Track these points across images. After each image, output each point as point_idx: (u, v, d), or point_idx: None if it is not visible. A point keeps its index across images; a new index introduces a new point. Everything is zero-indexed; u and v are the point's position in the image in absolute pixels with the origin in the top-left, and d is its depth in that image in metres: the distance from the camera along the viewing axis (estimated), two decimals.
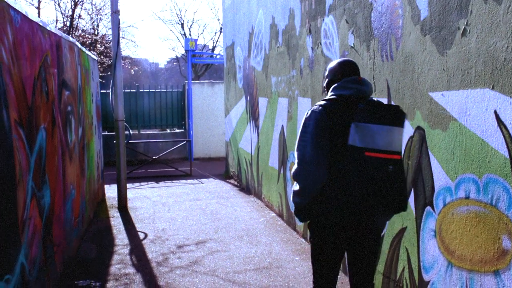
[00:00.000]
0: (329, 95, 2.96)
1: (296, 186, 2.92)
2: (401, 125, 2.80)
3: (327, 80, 3.09)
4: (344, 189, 2.72)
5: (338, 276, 3.07)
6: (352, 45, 4.57)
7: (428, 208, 3.44)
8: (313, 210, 2.90)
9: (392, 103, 3.89)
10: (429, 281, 3.44)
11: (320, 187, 2.83)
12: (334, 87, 2.95)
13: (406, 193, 2.86)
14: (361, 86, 2.91)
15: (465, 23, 2.98)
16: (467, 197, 3.02)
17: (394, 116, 2.77)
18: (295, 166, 2.90)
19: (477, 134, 2.91)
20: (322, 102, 2.89)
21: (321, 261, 3.03)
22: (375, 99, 3.03)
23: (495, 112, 2.75)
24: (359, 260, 3.05)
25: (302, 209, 2.95)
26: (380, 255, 3.20)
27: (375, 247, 3.03)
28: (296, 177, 2.89)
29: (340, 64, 3.06)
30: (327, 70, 3.11)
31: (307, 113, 2.89)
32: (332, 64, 3.10)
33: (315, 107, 2.88)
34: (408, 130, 3.67)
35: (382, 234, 3.20)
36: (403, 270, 3.81)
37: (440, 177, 3.29)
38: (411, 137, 3.63)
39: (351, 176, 2.69)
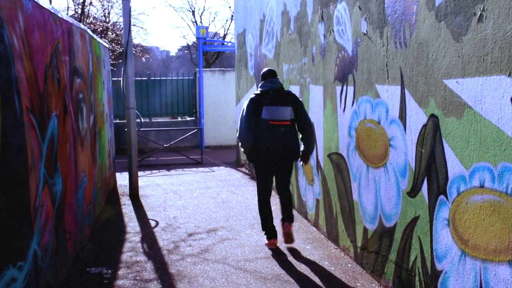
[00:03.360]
0: (257, 90, 5.31)
1: (239, 143, 5.35)
2: (288, 105, 5.16)
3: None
4: (261, 143, 5.13)
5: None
6: (365, 32, 4.51)
7: (442, 197, 3.40)
8: (252, 156, 5.28)
9: (406, 90, 3.84)
10: (442, 270, 3.41)
11: (251, 142, 5.16)
12: (259, 86, 5.33)
13: (297, 145, 5.28)
14: (271, 84, 5.25)
15: (481, 9, 2.92)
16: (482, 186, 2.98)
17: (284, 100, 5.17)
18: (238, 132, 5.29)
19: (492, 122, 2.86)
20: (252, 96, 5.25)
21: (260, 182, 5.42)
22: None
23: None
24: (278, 177, 5.47)
25: (248, 156, 5.33)
26: (291, 174, 5.51)
27: (288, 170, 5.43)
28: (238, 137, 5.27)
29: (263, 72, 5.40)
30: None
31: (246, 102, 5.23)
32: (262, 71, 5.43)
33: (249, 98, 5.25)
34: (421, 118, 3.62)
35: (293, 164, 5.46)
36: (415, 259, 3.78)
37: (454, 165, 3.25)
38: (425, 125, 3.58)
39: (263, 134, 5.12)
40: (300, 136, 5.37)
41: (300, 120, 5.24)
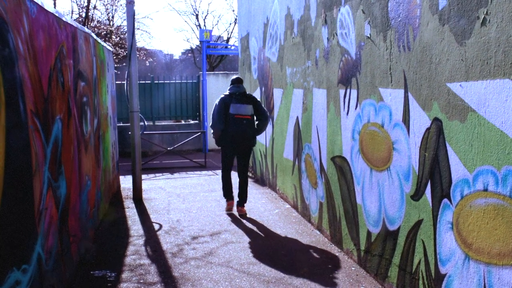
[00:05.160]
0: (226, 91, 6.88)
1: (211, 131, 7.49)
2: (249, 103, 6.74)
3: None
4: (228, 131, 6.67)
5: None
6: (369, 36, 4.52)
7: (445, 200, 3.39)
8: (220, 141, 6.83)
9: (409, 94, 3.84)
10: (445, 274, 3.41)
11: (220, 130, 6.71)
12: (228, 89, 6.91)
13: (255, 133, 6.84)
14: (237, 88, 6.84)
15: (485, 12, 2.92)
16: (485, 189, 2.98)
17: (246, 100, 6.75)
18: (210, 123, 6.84)
19: (496, 125, 2.86)
20: (223, 95, 6.83)
21: (224, 160, 7.04)
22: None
23: None
24: (239, 160, 7.03)
25: (217, 141, 6.88)
26: (249, 158, 7.12)
27: (247, 154, 7.03)
28: (210, 126, 6.81)
29: (232, 79, 6.98)
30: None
31: (217, 100, 6.84)
32: (231, 78, 7.02)
33: (220, 97, 6.86)
34: (425, 121, 3.62)
35: (251, 149, 7.05)
36: (419, 262, 3.78)
37: (457, 169, 3.25)
38: (428, 129, 3.58)
39: (230, 125, 6.66)
40: (257, 123, 6.95)
41: (259, 113, 6.87)
